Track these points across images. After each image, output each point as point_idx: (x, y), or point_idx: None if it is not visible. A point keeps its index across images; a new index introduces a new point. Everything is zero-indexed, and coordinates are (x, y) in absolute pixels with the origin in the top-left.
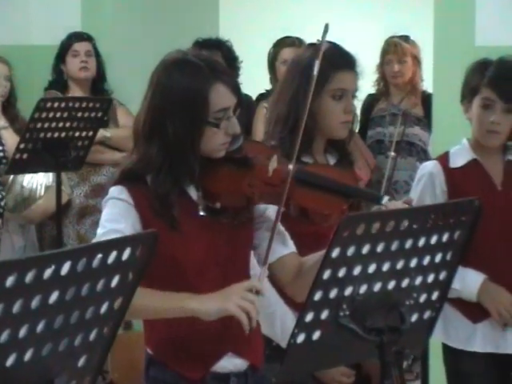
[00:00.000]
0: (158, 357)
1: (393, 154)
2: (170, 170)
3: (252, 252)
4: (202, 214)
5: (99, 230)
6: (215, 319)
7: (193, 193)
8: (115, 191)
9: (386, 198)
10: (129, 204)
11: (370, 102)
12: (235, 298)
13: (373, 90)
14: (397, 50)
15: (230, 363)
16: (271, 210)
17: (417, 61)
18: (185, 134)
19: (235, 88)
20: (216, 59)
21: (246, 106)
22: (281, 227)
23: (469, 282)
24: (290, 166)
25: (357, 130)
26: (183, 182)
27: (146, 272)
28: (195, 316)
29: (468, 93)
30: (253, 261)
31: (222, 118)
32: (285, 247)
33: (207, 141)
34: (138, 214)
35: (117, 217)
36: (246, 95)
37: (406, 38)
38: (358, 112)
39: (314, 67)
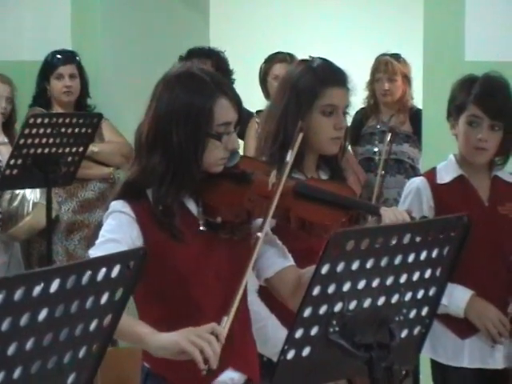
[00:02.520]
0: (156, 370)
1: (382, 172)
2: (172, 182)
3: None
4: (202, 228)
5: (97, 240)
6: (168, 355)
7: (193, 207)
8: (117, 205)
9: (383, 209)
10: (131, 217)
11: (360, 118)
12: (190, 335)
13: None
14: (387, 68)
15: (229, 377)
16: (268, 224)
17: (407, 80)
18: (188, 146)
19: (238, 104)
20: (220, 74)
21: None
22: (278, 241)
23: (456, 297)
24: (291, 182)
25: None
26: (183, 196)
27: (149, 286)
28: (144, 348)
29: (454, 110)
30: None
31: (224, 132)
32: (284, 260)
33: (208, 154)
34: (140, 229)
35: (116, 228)
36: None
37: (397, 57)
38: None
39: (288, 154)
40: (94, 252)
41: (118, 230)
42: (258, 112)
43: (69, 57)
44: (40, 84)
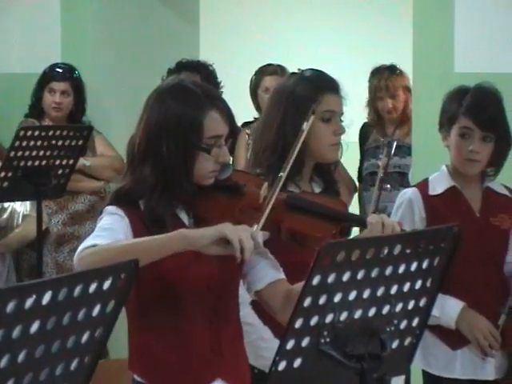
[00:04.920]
0: (145, 382)
1: (386, 185)
2: (163, 193)
3: (241, 280)
4: None
5: (93, 232)
6: (211, 246)
7: (184, 218)
8: (112, 209)
9: (371, 220)
10: (126, 221)
11: (365, 131)
12: (232, 227)
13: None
14: (388, 86)
15: None
16: (260, 237)
17: (407, 90)
18: (178, 158)
19: (229, 117)
20: (212, 87)
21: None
22: (269, 254)
23: (448, 309)
24: (282, 194)
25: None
26: (176, 207)
27: (142, 297)
28: (191, 245)
29: (446, 121)
30: (241, 290)
31: (214, 145)
32: (274, 273)
33: (198, 167)
34: (133, 233)
35: (113, 222)
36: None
37: (392, 69)
38: (351, 139)
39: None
40: (90, 238)
41: (115, 223)
42: (246, 124)
43: (65, 73)
44: (36, 94)
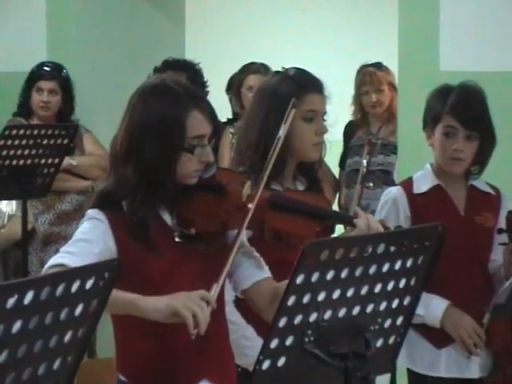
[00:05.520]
0: (131, 382)
1: (369, 183)
2: (146, 194)
3: (227, 279)
4: (177, 240)
5: (71, 240)
6: (162, 318)
7: (168, 219)
8: (93, 213)
9: (357, 219)
10: (106, 226)
11: (350, 129)
12: (185, 300)
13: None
14: (373, 80)
15: None
16: (245, 236)
17: (393, 87)
18: (161, 158)
19: (212, 117)
20: (195, 86)
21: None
22: (255, 253)
23: (433, 308)
24: (265, 193)
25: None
26: (158, 207)
27: None
28: (141, 315)
29: (430, 120)
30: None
31: (197, 145)
32: (260, 272)
33: (181, 167)
34: (114, 237)
35: (91, 231)
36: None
37: (379, 66)
38: (335, 138)
39: (280, 130)
40: (65, 248)
41: (92, 233)
42: (229, 121)
43: (53, 72)
44: (24, 93)
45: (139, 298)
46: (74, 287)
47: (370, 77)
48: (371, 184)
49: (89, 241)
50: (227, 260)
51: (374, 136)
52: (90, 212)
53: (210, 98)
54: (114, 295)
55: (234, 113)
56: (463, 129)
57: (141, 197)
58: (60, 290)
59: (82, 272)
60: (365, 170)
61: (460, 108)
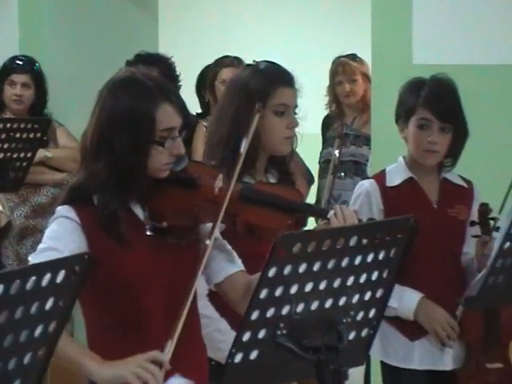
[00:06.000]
0: None
1: (340, 173)
2: (116, 188)
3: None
4: (148, 234)
5: (40, 245)
6: None
7: (139, 212)
8: (62, 210)
9: (331, 212)
10: (76, 223)
11: (327, 122)
12: (134, 366)
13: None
14: (346, 70)
15: (176, 383)
16: (218, 230)
17: (367, 78)
18: (131, 152)
19: (182, 109)
20: (164, 79)
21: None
22: (228, 246)
23: (406, 300)
24: (237, 186)
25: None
26: (130, 201)
27: (95, 291)
28: (90, 378)
29: (403, 113)
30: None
31: (167, 137)
32: (232, 265)
33: (152, 160)
34: (85, 234)
35: (60, 235)
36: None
37: (353, 57)
38: (306, 131)
39: (242, 144)
40: (33, 259)
41: (61, 237)
42: (199, 114)
43: (25, 65)
44: None
45: (92, 365)
46: (45, 281)
47: (343, 67)
48: (342, 174)
49: (58, 250)
50: (198, 268)
51: (348, 127)
52: (60, 209)
53: (184, 91)
54: (63, 347)
55: (202, 106)
56: (437, 121)
57: (111, 191)
58: (30, 283)
59: (53, 266)
60: (336, 161)
61: (434, 100)
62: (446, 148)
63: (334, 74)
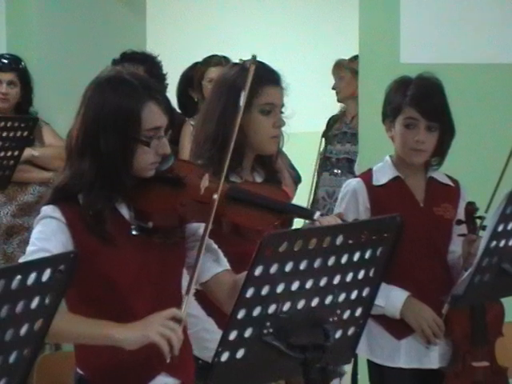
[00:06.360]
0: (88, 377)
1: (337, 171)
2: (102, 187)
3: (186, 271)
4: (134, 233)
5: (29, 248)
6: (138, 347)
7: (125, 212)
8: (48, 210)
9: (317, 214)
10: (61, 223)
11: (329, 123)
12: (156, 325)
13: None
14: (334, 68)
15: (163, 383)
16: (203, 229)
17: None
18: (116, 151)
19: (168, 109)
20: (150, 79)
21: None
22: (214, 245)
23: (392, 298)
24: (224, 186)
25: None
26: (115, 201)
27: (81, 291)
28: (117, 345)
29: (390, 112)
30: (184, 281)
31: (153, 137)
32: (218, 265)
33: (137, 159)
34: (71, 233)
35: (48, 235)
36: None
37: (355, 57)
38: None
39: (241, 98)
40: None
41: (50, 238)
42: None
43: (10, 64)
44: None
45: (114, 331)
46: (30, 280)
47: (334, 65)
48: (339, 171)
49: (49, 250)
50: (197, 261)
51: (346, 125)
52: (45, 209)
53: (171, 91)
54: (76, 328)
55: (180, 106)
56: (424, 120)
57: (97, 190)
58: (15, 282)
59: (38, 265)
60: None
61: (421, 99)
62: (433, 147)
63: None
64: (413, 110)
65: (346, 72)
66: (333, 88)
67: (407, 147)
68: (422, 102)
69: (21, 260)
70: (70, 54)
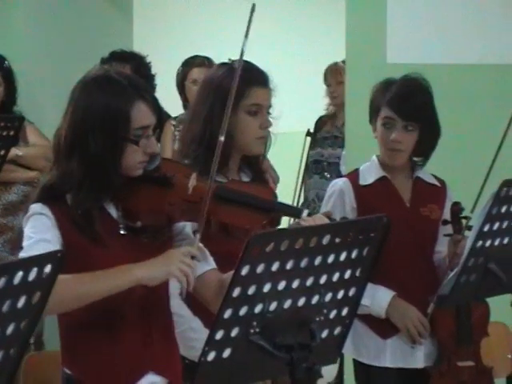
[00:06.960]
0: (76, 376)
1: (327, 174)
2: (90, 187)
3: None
4: (122, 232)
5: (26, 242)
6: (160, 283)
7: (113, 211)
8: (37, 207)
9: (305, 212)
10: (51, 220)
11: (318, 123)
12: (177, 261)
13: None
14: (332, 71)
15: (150, 382)
16: (189, 227)
17: None
18: (105, 150)
19: (156, 108)
20: (139, 78)
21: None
22: (200, 244)
23: (378, 298)
24: (212, 185)
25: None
26: (103, 200)
27: None
28: (142, 284)
29: (372, 112)
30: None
31: (142, 136)
32: (205, 264)
33: (126, 158)
34: (59, 232)
35: (42, 228)
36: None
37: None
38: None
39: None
40: (26, 254)
41: (46, 230)
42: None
43: None
44: None
45: (132, 270)
46: (17, 279)
47: (330, 69)
48: (329, 175)
49: (48, 240)
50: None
51: (337, 129)
52: (34, 207)
53: (160, 90)
54: (96, 279)
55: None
56: (400, 119)
57: (85, 190)
58: (2, 282)
59: (24, 264)
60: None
61: (396, 99)
62: (411, 147)
63: (325, 77)
64: (389, 110)
65: (344, 77)
66: (329, 92)
67: (385, 147)
68: (397, 102)
69: (21, 254)
70: (56, 53)
